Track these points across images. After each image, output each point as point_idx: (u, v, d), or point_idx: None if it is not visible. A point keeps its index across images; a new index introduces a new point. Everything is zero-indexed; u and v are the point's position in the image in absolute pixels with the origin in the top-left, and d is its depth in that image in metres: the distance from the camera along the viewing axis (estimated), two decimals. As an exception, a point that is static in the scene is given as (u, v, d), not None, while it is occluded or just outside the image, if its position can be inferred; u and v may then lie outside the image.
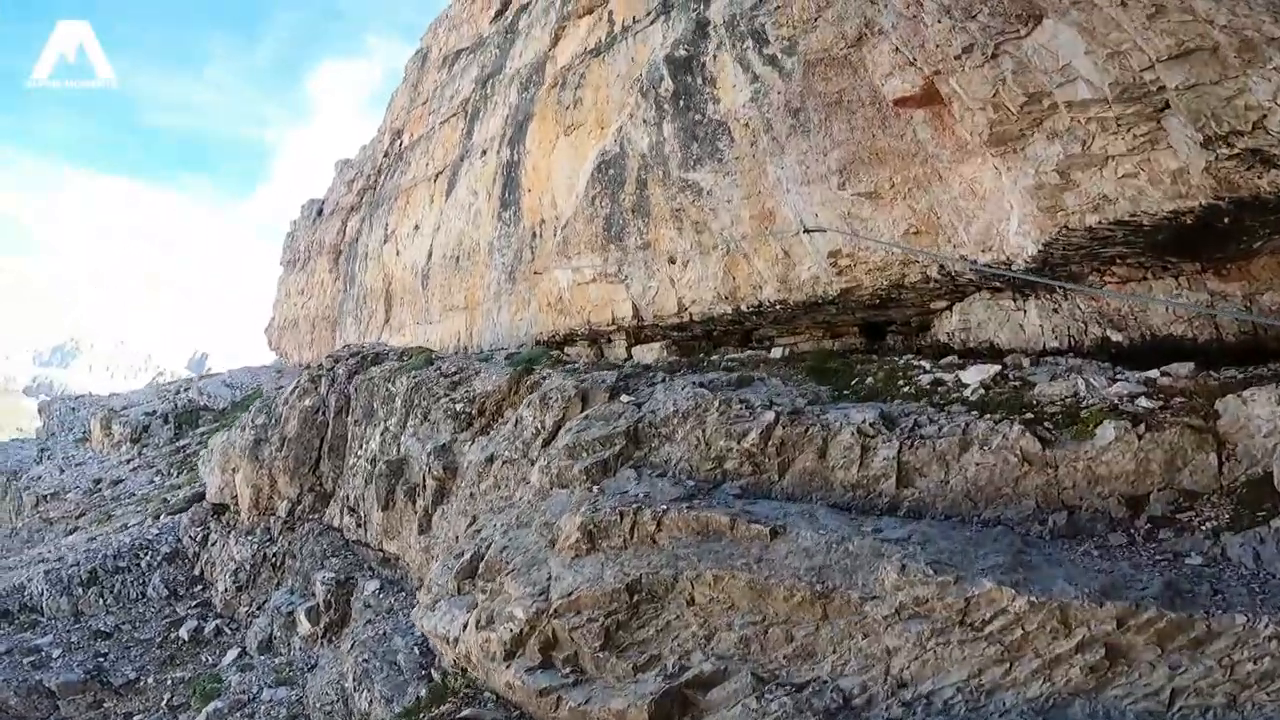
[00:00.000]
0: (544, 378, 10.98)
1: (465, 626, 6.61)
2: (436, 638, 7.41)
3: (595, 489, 6.71)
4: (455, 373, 13.36)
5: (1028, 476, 5.59)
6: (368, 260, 32.56)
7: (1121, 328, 8.36)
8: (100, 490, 29.48)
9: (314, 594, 13.37)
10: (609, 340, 15.48)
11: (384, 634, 11.25)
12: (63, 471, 31.61)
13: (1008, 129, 6.77)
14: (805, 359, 10.23)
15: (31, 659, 13.60)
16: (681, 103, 11.13)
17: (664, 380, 8.13)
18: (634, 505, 5.86)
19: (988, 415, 6.23)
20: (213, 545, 15.96)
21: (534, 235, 17.42)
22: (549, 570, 5.86)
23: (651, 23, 13.01)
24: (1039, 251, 7.55)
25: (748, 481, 6.40)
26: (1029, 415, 6.12)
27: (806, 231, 9.41)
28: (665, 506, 5.76)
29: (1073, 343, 8.85)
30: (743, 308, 11.90)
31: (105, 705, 13.48)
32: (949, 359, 8.98)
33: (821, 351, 10.42)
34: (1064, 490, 5.63)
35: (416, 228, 27.33)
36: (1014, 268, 8.47)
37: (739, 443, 6.67)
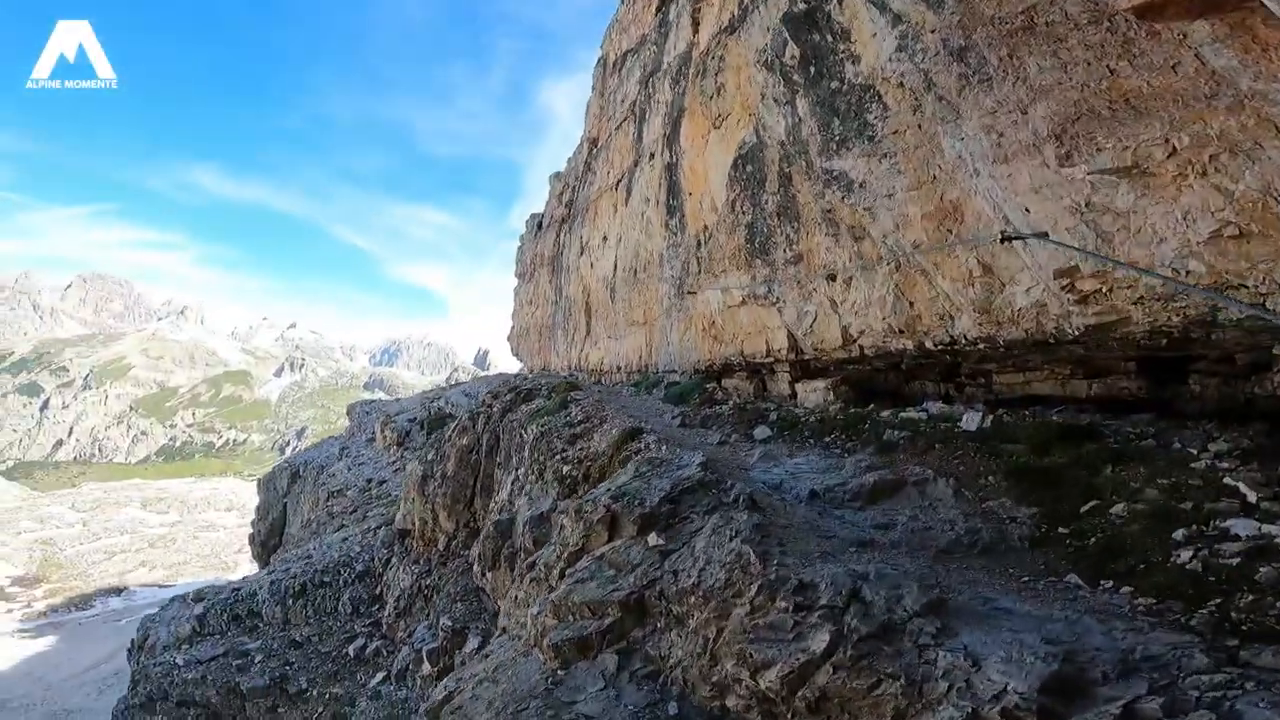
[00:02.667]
0: (640, 448, 8.86)
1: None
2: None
3: (555, 676, 4.45)
4: (582, 422, 11.92)
5: None
6: (569, 273, 33.33)
7: None
8: (370, 489, 34.75)
9: (438, 636, 13.18)
10: (771, 372, 12.72)
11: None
12: (350, 470, 38.04)
13: None
14: (1016, 436, 6.46)
15: (239, 661, 15.63)
16: (813, 69, 7.98)
17: (724, 509, 5.21)
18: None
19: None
20: (391, 569, 16.98)
21: (698, 244, 15.22)
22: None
23: (786, -25, 9.94)
24: None
25: (754, 738, 3.55)
26: None
27: (1006, 240, 5.84)
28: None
29: None
30: (929, 344, 8.37)
31: (279, 710, 14.81)
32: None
33: (1045, 429, 6.40)
34: None
35: (605, 239, 26.87)
36: None
37: (753, 675, 3.83)
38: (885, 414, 8.66)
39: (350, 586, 17.16)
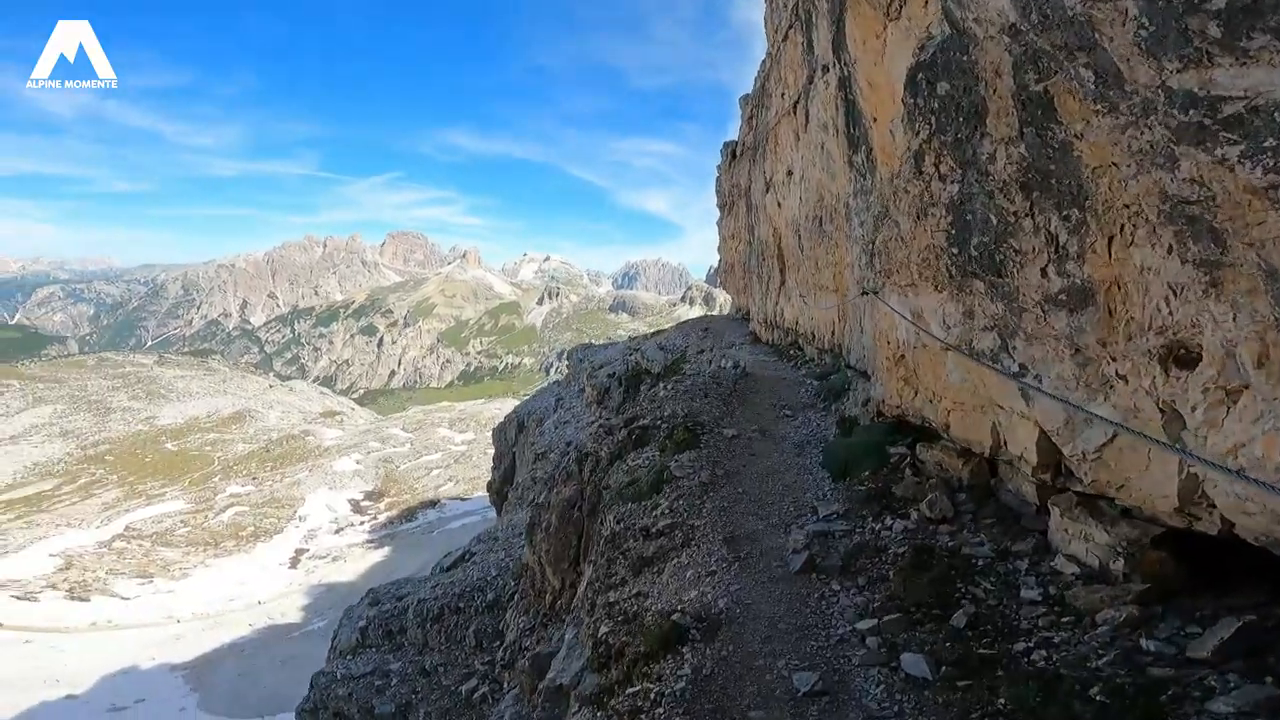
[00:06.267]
0: (664, 692, 4.25)
1: None
2: None
3: None
4: (663, 532, 7.37)
5: None
6: (758, 211, 27.45)
7: None
8: (569, 454, 33.78)
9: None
10: (1010, 467, 6.68)
11: None
12: (555, 429, 37.67)
13: None
14: None
15: (380, 682, 14.56)
16: None
17: None
18: None
19: None
20: (511, 608, 14.64)
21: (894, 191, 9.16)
22: None
23: None
24: None
25: None
26: None
27: None
28: None
29: None
30: None
31: None
32: None
33: None
34: None
35: (790, 173, 20.66)
36: None
37: None
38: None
39: (479, 616, 15.31)
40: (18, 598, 47.56)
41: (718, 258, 51.61)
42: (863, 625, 5.18)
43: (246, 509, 68.65)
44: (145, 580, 52.49)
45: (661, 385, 14.53)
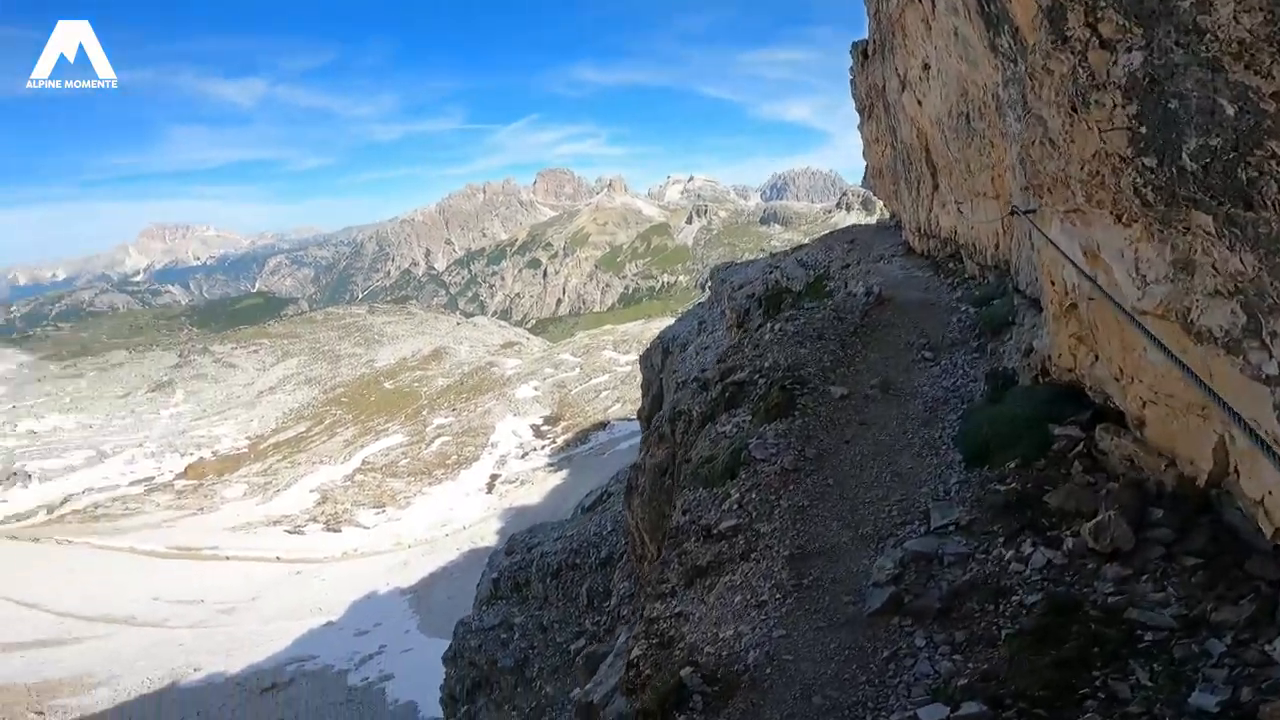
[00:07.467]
0: None
1: None
2: None
3: None
4: (726, 534, 5.98)
5: None
6: (897, 112, 23.10)
7: None
8: (707, 383, 32.43)
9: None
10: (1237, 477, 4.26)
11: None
12: (696, 355, 36.45)
13: None
14: None
15: (505, 635, 15.11)
16: None
17: None
18: None
19: None
20: (618, 568, 14.11)
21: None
22: None
23: None
24: None
25: None
26: None
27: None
28: None
29: None
30: None
31: (517, 690, 13.97)
32: None
33: None
34: None
35: (926, 67, 16.76)
36: None
37: None
38: None
39: (592, 574, 15.20)
40: (289, 532, 57.01)
41: (864, 165, 45.65)
42: (929, 716, 3.59)
43: (450, 439, 75.73)
44: (379, 510, 60.27)
45: (770, 324, 12.64)
